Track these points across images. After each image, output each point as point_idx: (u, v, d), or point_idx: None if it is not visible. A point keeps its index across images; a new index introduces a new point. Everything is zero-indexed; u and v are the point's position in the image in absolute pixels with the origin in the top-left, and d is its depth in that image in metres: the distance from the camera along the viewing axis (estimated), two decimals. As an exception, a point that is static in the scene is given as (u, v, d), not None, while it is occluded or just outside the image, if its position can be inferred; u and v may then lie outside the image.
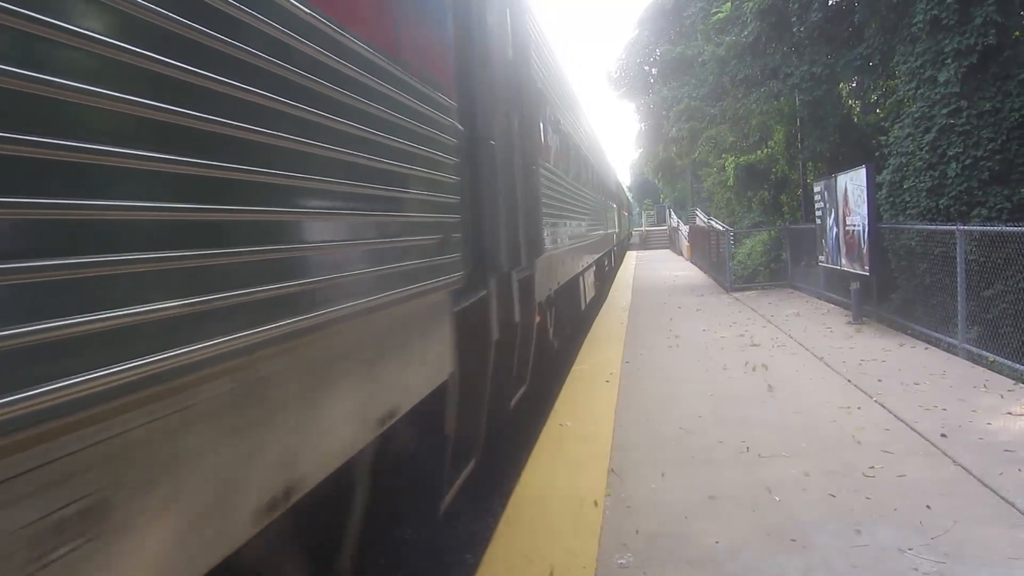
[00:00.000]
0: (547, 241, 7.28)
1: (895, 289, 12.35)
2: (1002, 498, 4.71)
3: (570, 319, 11.38)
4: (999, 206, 10.33)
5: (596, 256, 15.22)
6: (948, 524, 4.35)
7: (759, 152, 21.23)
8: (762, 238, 21.48)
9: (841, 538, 4.27)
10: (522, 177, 6.11)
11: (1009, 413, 6.59)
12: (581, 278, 12.05)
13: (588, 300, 14.04)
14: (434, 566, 4.90)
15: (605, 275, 20.96)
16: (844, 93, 17.59)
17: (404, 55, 3.04)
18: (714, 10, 17.99)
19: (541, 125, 7.69)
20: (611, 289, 21.22)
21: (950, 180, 10.75)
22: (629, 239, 46.49)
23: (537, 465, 5.92)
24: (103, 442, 1.36)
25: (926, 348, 9.94)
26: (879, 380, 8.12)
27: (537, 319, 6.77)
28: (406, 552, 4.88)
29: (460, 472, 4.24)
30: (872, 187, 11.78)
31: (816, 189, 14.99)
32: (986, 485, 4.94)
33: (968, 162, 10.58)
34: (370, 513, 3.27)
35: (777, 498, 4.92)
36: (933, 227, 10.60)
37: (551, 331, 8.76)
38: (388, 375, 2.83)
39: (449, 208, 3.65)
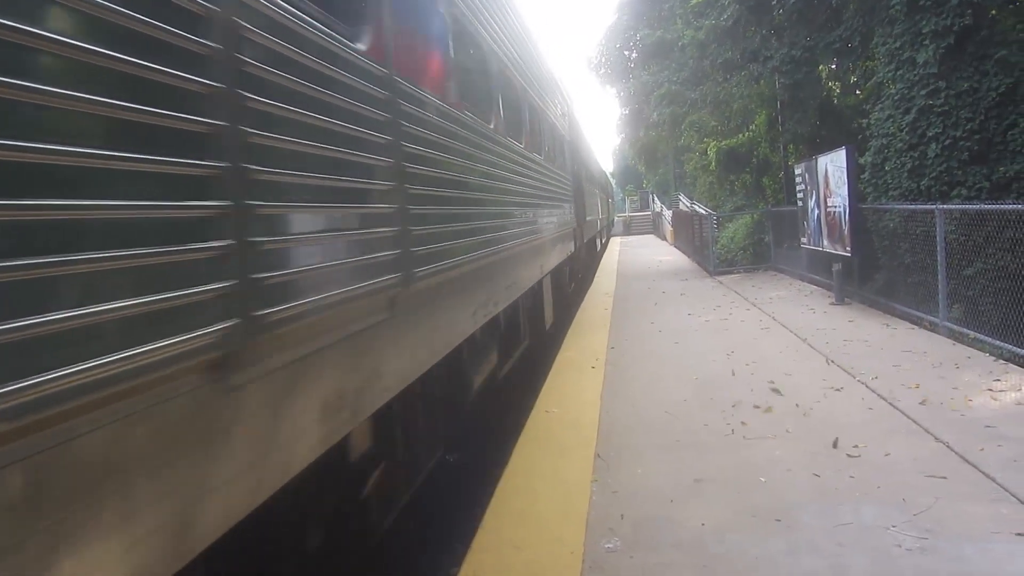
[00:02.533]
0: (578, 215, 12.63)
1: (877, 270, 12.42)
2: (983, 473, 4.76)
3: (579, 270, 16.70)
4: (978, 185, 10.39)
5: (592, 234, 20.26)
6: (930, 501, 4.40)
7: (740, 136, 21.28)
8: (745, 221, 21.54)
9: (826, 517, 4.31)
10: (578, 187, 12.40)
11: (989, 390, 6.66)
12: (595, 237, 22.80)
13: (597, 248, 23.48)
14: (423, 556, 4.91)
15: (595, 254, 22.16)
16: (824, 75, 17.64)
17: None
18: (693, -6, 18.00)
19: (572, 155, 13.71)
20: (596, 275, 21.27)
21: (930, 160, 10.81)
22: (612, 226, 45.65)
23: (523, 452, 5.94)
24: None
25: (909, 327, 10.02)
26: (862, 360, 8.18)
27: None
28: (394, 543, 4.88)
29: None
30: (852, 168, 11.83)
31: (797, 171, 15.04)
32: (967, 461, 4.99)
33: (947, 142, 10.63)
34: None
35: (762, 479, 4.96)
36: (912, 207, 10.66)
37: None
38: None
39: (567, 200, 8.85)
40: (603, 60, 30.14)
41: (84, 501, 1.44)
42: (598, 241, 26.71)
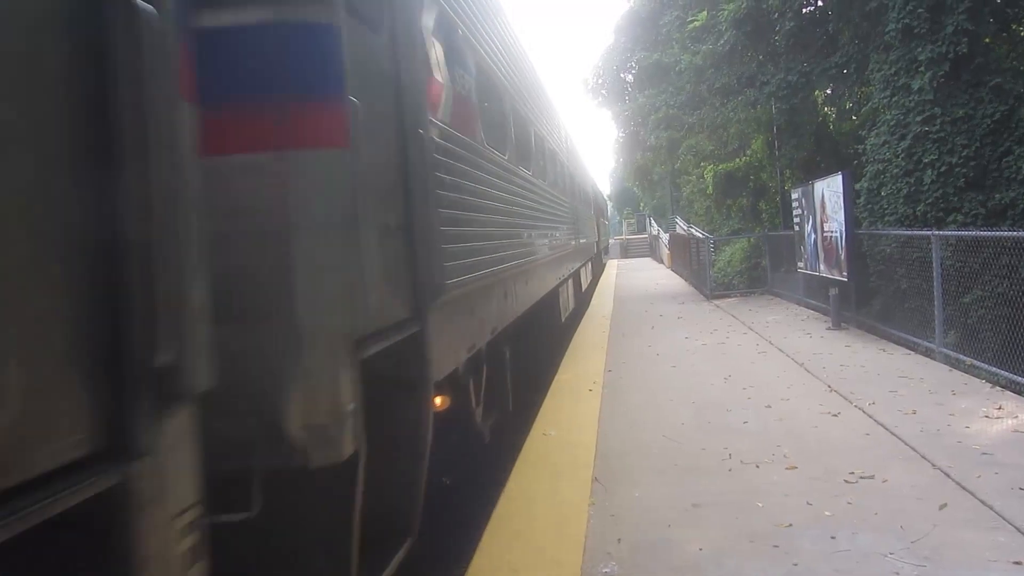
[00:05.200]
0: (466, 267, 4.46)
1: (874, 295, 12.46)
2: (980, 501, 4.76)
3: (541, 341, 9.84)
4: (974, 211, 10.47)
5: (574, 267, 12.89)
6: (928, 528, 4.39)
7: (737, 160, 21.41)
8: (742, 245, 21.63)
9: (823, 543, 4.30)
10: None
11: (986, 416, 6.67)
12: (557, 292, 10.17)
13: (567, 312, 12.93)
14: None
15: (586, 285, 17.90)
16: (819, 101, 17.78)
17: None
18: (690, 19, 18.14)
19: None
20: (592, 298, 21.28)
21: (926, 187, 10.89)
22: (607, 249, 44.75)
23: (521, 475, 5.92)
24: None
25: (905, 353, 10.02)
26: (858, 385, 8.18)
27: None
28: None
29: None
30: (849, 193, 11.89)
31: (794, 196, 15.11)
32: (965, 488, 4.99)
33: (943, 169, 10.72)
34: None
35: (760, 504, 4.95)
36: (909, 232, 10.72)
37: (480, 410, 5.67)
38: None
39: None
40: (600, 82, 30.28)
41: None
42: (583, 278, 17.00)
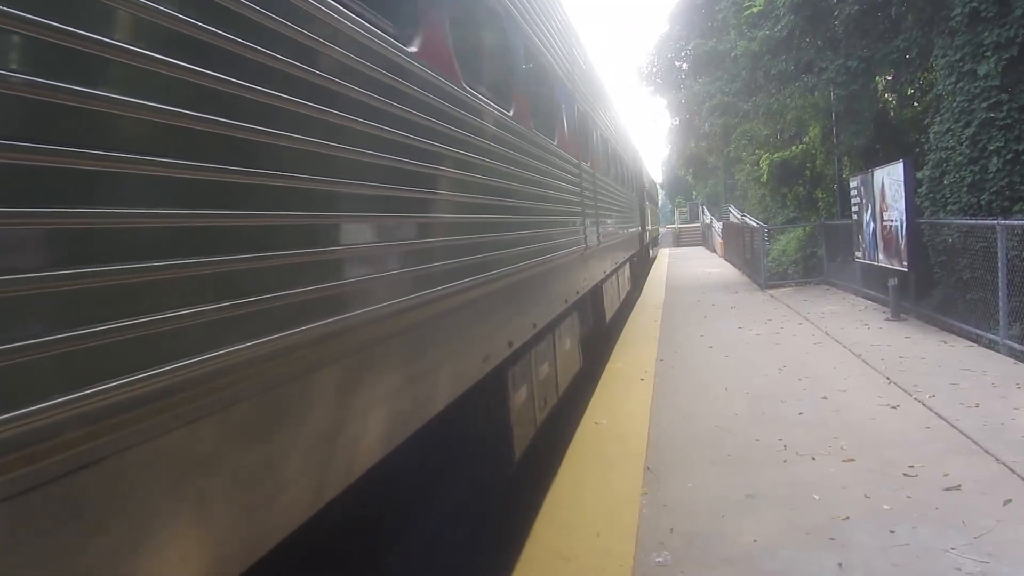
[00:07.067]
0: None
1: (934, 285, 12.14)
2: (1047, 497, 4.63)
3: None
4: (1042, 200, 10.13)
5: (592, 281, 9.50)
6: (991, 523, 4.29)
7: (794, 148, 21.04)
8: (797, 234, 21.27)
9: (881, 537, 4.23)
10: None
11: (1053, 411, 6.47)
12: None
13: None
14: (471, 564, 4.93)
15: (618, 305, 13.84)
16: (880, 87, 17.36)
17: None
18: (746, 4, 17.83)
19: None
20: (644, 287, 21.15)
21: (991, 175, 10.55)
22: (657, 239, 43.11)
23: (573, 463, 5.93)
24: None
25: (967, 345, 9.77)
26: (919, 377, 8.01)
27: None
28: (442, 549, 4.90)
29: None
30: (910, 182, 11.60)
31: (852, 184, 14.80)
32: (1030, 484, 4.86)
33: (1010, 156, 10.37)
34: None
35: (816, 497, 4.89)
36: (973, 222, 10.41)
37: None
38: None
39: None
40: (654, 70, 29.98)
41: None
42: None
